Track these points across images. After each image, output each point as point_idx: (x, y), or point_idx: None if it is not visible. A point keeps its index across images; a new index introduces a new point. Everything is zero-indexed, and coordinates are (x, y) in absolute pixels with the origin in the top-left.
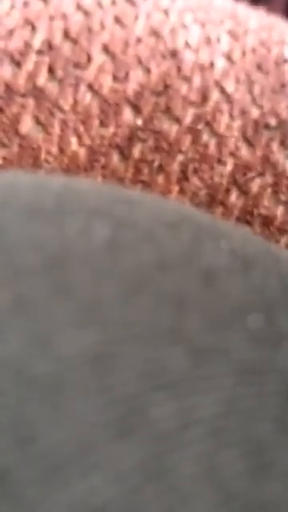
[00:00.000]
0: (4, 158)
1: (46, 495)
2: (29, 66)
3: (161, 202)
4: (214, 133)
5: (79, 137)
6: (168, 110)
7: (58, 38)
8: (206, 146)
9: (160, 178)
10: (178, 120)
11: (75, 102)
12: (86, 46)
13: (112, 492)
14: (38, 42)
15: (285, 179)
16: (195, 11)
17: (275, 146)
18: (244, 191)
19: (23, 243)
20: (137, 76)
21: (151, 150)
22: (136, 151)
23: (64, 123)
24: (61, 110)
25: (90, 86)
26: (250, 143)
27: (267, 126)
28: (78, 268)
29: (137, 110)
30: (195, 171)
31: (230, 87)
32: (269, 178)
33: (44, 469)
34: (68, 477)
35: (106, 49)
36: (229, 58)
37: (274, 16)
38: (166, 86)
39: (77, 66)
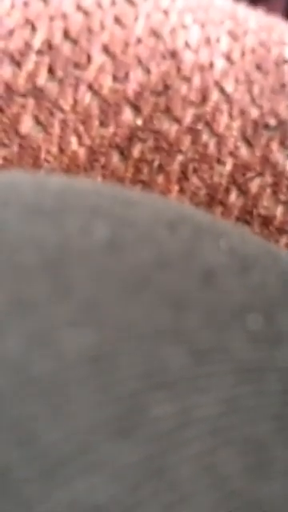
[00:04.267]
0: (4, 158)
1: (45, 493)
2: (29, 66)
3: (160, 202)
4: (213, 133)
5: (79, 137)
6: (168, 110)
7: (57, 38)
8: (205, 145)
9: (160, 178)
10: (177, 120)
11: (75, 102)
12: (86, 46)
13: (111, 490)
14: (38, 42)
15: (284, 179)
16: (195, 11)
17: (275, 146)
18: (243, 191)
19: (23, 243)
20: (137, 76)
21: (151, 149)
22: (136, 151)
23: (64, 123)
24: (61, 110)
25: (90, 86)
26: (249, 143)
27: (267, 126)
28: (78, 267)
29: (137, 110)
30: (195, 171)
31: (229, 87)
32: (268, 178)
33: (44, 467)
34: (68, 475)
35: (105, 49)
36: (228, 58)
37: (273, 16)
38: (166, 86)
39: (77, 66)
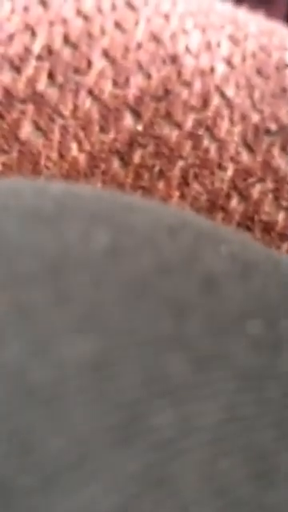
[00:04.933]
0: (4, 164)
1: (45, 504)
2: (29, 71)
3: (161, 208)
4: (214, 138)
5: (79, 142)
6: (168, 115)
7: (58, 43)
8: (206, 151)
9: (160, 184)
10: (178, 125)
11: (75, 108)
12: (86, 51)
13: (112, 500)
14: (37, 47)
15: (286, 185)
16: (195, 16)
17: (276, 151)
18: (245, 196)
19: (23, 249)
20: (137, 81)
21: (151, 155)
22: (136, 157)
23: (64, 129)
24: (61, 115)
25: (90, 92)
26: (250, 148)
27: (268, 131)
28: (78, 274)
29: (137, 115)
30: (196, 176)
31: (230, 92)
32: (269, 184)
33: (43, 477)
34: (67, 485)
35: (106, 54)
36: (229, 62)
37: (274, 21)
38: (167, 91)
39: (77, 71)
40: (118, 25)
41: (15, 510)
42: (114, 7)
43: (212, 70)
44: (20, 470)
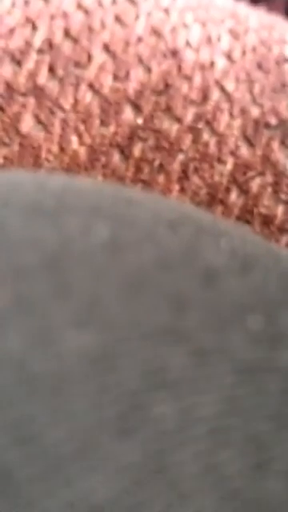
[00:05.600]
0: (5, 157)
1: (46, 493)
2: (29, 64)
3: (161, 201)
4: (214, 132)
5: (80, 136)
6: (168, 109)
7: (58, 37)
8: (206, 145)
9: (160, 177)
10: (178, 119)
11: (76, 101)
12: (87, 45)
13: (112, 490)
14: (38, 40)
15: (285, 178)
16: (196, 10)
17: (275, 145)
18: (244, 190)
19: (23, 242)
20: (137, 75)
21: (152, 149)
22: (136, 150)
23: (64, 122)
24: (61, 109)
25: (91, 85)
26: (250, 142)
27: (267, 125)
28: (78, 267)
29: (137, 109)
30: (195, 170)
31: (230, 86)
32: (269, 178)
33: (44, 467)
34: (68, 475)
35: (106, 48)
36: (229, 57)
37: (274, 15)
38: (167, 85)
39: (77, 65)
40: (118, 19)
41: (16, 500)
42: (114, 1)
43: (212, 64)
44: (21, 460)
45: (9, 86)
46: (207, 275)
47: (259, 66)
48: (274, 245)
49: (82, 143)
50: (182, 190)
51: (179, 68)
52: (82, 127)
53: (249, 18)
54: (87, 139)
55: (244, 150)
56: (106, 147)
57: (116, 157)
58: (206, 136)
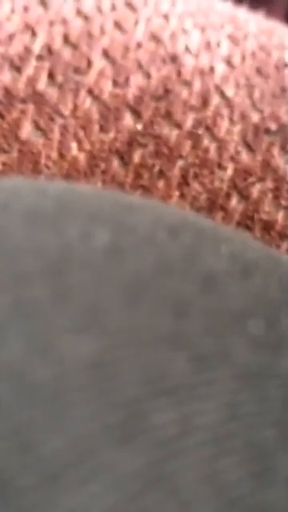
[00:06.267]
0: (4, 164)
1: (45, 502)
2: (29, 71)
3: (161, 207)
4: (214, 137)
5: (79, 142)
6: (168, 115)
7: (58, 43)
8: (206, 150)
9: (160, 183)
10: (178, 125)
11: (75, 107)
12: (86, 50)
13: (112, 498)
14: (38, 46)
15: (285, 184)
16: (195, 16)
17: (276, 150)
18: (244, 196)
19: (23, 248)
20: (137, 81)
21: (151, 154)
22: (136, 156)
23: (64, 128)
24: (61, 115)
25: (90, 91)
26: (250, 148)
27: (267, 131)
28: (79, 273)
29: (137, 114)
30: (195, 176)
31: (230, 92)
32: (269, 183)
33: (44, 475)
34: (68, 483)
35: (106, 54)
36: (229, 62)
37: (273, 20)
38: (166, 91)
39: (77, 71)
40: (117, 25)
41: (16, 508)
42: (113, 7)
43: (212, 69)
44: (21, 468)
45: (8, 93)
46: (207, 281)
47: (259, 72)
48: (274, 250)
49: (81, 149)
50: (182, 195)
51: (179, 73)
52: (81, 133)
53: (248, 23)
54: (87, 145)
55: (244, 156)
56: (106, 153)
57: (115, 163)
58: (205, 141)
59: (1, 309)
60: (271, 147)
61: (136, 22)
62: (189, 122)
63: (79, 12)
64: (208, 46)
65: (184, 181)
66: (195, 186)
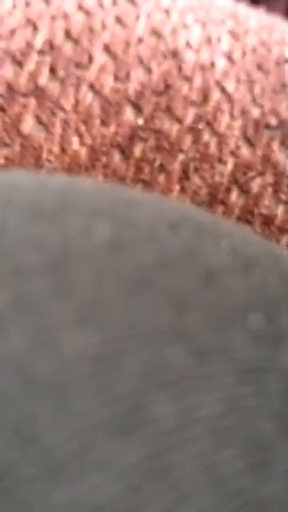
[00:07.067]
0: (6, 158)
1: (46, 493)
2: (30, 65)
3: (162, 202)
4: (214, 132)
5: (80, 136)
6: (169, 110)
7: (59, 38)
8: (206, 145)
9: (161, 178)
10: (178, 119)
11: (76, 102)
12: (88, 45)
13: (112, 490)
14: (39, 41)
15: (285, 179)
16: (196, 11)
17: (276, 145)
18: (244, 190)
19: (24, 243)
20: (138, 76)
21: (152, 149)
22: (137, 151)
23: (65, 123)
24: (62, 109)
25: (92, 86)
26: (250, 143)
27: (268, 126)
28: (79, 267)
29: (138, 109)
30: (196, 170)
31: (230, 87)
32: (269, 178)
33: (45, 467)
34: (69, 475)
35: (107, 49)
36: (229, 57)
37: (274, 16)
38: (167, 86)
39: (78, 65)
40: (118, 20)
41: (17, 499)
42: (114, 2)
43: (212, 64)
44: (22, 460)
45: (10, 87)
46: (208, 275)
47: (259, 67)
48: (274, 245)
49: (82, 144)
50: (183, 190)
51: (179, 69)
52: (82, 128)
53: (249, 18)
54: (88, 140)
55: (244, 151)
56: (107, 147)
57: (117, 157)
58: (206, 136)
59: (2, 303)
60: (271, 142)
61: (137, 17)
62: (189, 116)
63: (80, 7)
64: (209, 41)
65: (184, 175)
66: (196, 180)
